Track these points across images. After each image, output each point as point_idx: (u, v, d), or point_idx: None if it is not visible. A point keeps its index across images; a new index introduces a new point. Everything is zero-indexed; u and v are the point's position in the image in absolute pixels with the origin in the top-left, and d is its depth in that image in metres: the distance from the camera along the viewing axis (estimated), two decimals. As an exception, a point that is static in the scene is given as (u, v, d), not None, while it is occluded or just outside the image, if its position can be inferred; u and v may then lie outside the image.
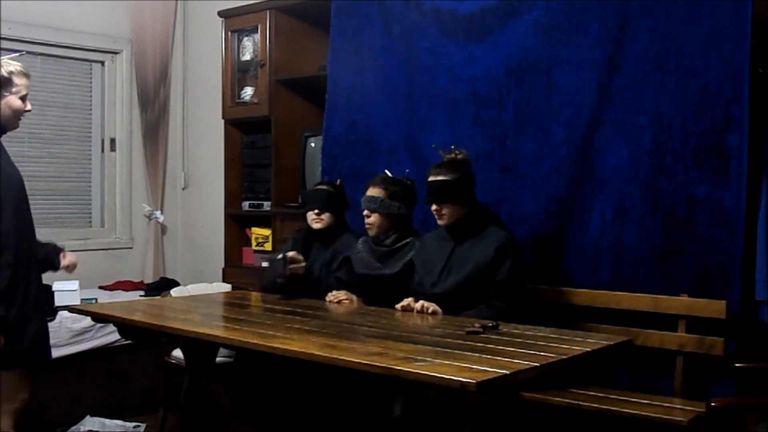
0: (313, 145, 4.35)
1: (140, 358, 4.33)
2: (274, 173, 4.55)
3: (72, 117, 5.12)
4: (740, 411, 2.83)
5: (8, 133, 2.90)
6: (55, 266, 3.13)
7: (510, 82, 3.49)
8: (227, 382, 3.62)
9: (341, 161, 4.05)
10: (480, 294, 3.03)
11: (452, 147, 3.19)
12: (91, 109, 5.23)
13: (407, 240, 3.36)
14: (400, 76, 3.86)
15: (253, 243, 4.74)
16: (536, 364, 2.22)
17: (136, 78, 5.24)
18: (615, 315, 3.19)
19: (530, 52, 3.43)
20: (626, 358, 3.06)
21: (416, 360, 2.21)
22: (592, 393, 2.96)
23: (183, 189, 5.54)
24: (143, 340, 3.60)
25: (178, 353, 3.76)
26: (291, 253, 3.43)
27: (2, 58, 2.85)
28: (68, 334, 4.10)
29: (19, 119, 2.89)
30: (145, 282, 5.07)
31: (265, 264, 3.53)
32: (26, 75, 2.87)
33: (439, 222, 3.16)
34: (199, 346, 3.25)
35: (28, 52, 4.70)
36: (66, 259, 3.14)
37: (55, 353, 3.96)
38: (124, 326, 3.24)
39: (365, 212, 3.36)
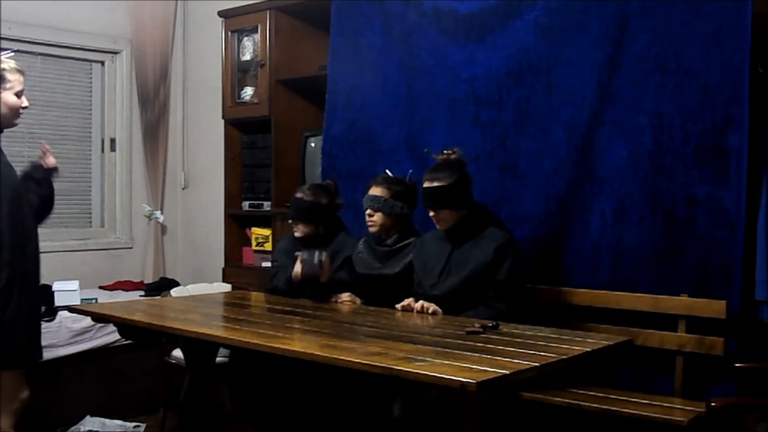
0: (313, 145, 4.35)
1: (140, 358, 4.33)
2: (274, 173, 4.55)
3: (72, 117, 5.12)
4: (740, 411, 2.83)
5: (8, 133, 2.89)
6: (44, 175, 3.01)
7: (510, 82, 3.49)
8: (228, 382, 3.62)
9: (341, 161, 4.05)
10: (479, 295, 3.03)
11: (444, 150, 3.17)
12: (91, 109, 5.23)
13: (408, 240, 3.35)
14: (400, 76, 3.86)
15: (253, 243, 4.74)
16: (536, 364, 2.22)
17: (136, 78, 5.24)
18: (615, 315, 3.19)
19: (530, 52, 3.43)
20: (626, 358, 3.06)
21: (416, 360, 2.21)
22: (592, 393, 2.96)
23: (183, 189, 5.54)
24: (143, 340, 3.60)
25: (178, 353, 3.76)
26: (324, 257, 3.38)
27: None
28: (68, 334, 4.10)
29: (17, 117, 2.87)
30: (145, 282, 5.07)
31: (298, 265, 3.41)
32: (20, 71, 2.86)
33: (438, 226, 3.17)
34: (199, 346, 3.24)
35: (28, 52, 4.71)
36: (48, 159, 3.03)
37: (55, 353, 3.99)
38: (124, 326, 3.24)
39: (368, 211, 3.35)
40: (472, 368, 2.11)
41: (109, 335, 4.19)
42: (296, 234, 3.59)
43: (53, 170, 3.07)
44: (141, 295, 4.69)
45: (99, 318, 3.44)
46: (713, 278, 3.00)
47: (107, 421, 4.12)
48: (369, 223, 3.36)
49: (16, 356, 2.74)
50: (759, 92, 2.97)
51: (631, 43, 3.17)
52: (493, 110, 3.53)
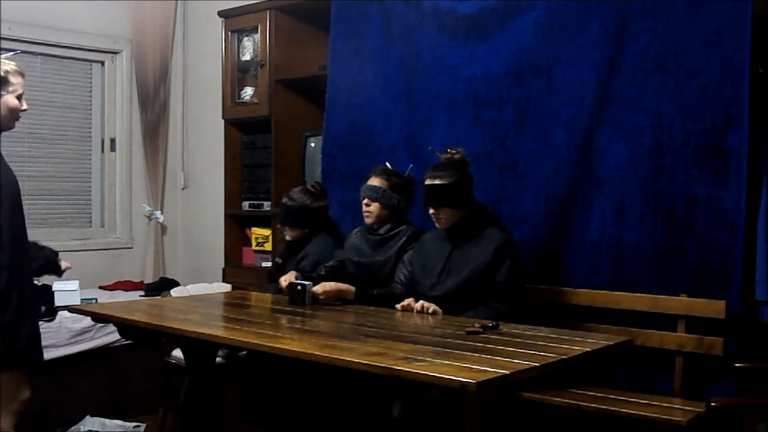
0: (313, 145, 4.35)
1: (140, 358, 4.33)
2: (274, 173, 4.55)
3: (72, 117, 5.12)
4: (740, 411, 2.83)
5: (8, 133, 2.89)
6: (57, 270, 3.29)
7: (510, 82, 3.49)
8: (232, 382, 3.62)
9: (341, 161, 4.05)
10: (479, 295, 3.03)
11: (448, 148, 3.17)
12: (91, 109, 5.23)
13: (399, 228, 3.40)
14: (400, 76, 3.86)
15: (253, 243, 4.75)
16: (536, 364, 2.22)
17: (136, 78, 5.24)
18: (615, 315, 3.19)
19: (530, 52, 3.43)
20: (626, 358, 3.06)
21: (416, 360, 2.21)
22: (592, 393, 2.96)
23: (183, 189, 5.54)
24: (143, 340, 3.60)
25: (178, 353, 3.76)
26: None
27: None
28: (68, 334, 4.10)
29: (16, 119, 2.88)
30: (145, 282, 5.07)
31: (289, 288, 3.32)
32: (22, 74, 2.86)
33: (438, 225, 3.17)
34: (199, 346, 3.24)
35: (28, 52, 4.71)
36: (64, 264, 3.31)
37: (55, 353, 3.99)
38: (124, 326, 3.24)
39: (365, 200, 3.39)
40: (472, 368, 2.11)
41: (109, 335, 4.19)
42: (287, 238, 3.70)
43: (61, 272, 3.42)
44: (141, 295, 4.68)
45: (99, 318, 3.44)
46: (713, 278, 3.00)
47: (107, 421, 4.12)
48: (365, 213, 3.40)
49: (17, 357, 2.74)
50: (759, 92, 2.97)
51: (631, 43, 3.17)
52: (493, 110, 3.53)
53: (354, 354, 2.30)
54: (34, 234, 2.94)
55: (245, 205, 4.80)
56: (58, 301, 4.11)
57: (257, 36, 4.62)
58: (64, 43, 4.97)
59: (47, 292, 4.14)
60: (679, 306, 3.06)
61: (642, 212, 3.16)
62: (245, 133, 4.85)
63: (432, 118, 3.74)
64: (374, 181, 3.40)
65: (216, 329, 2.87)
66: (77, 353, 4.13)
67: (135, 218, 5.33)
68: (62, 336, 4.07)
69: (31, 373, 2.85)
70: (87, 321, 3.93)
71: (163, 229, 5.41)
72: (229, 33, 4.78)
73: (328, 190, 3.82)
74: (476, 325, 2.69)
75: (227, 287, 4.39)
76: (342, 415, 3.09)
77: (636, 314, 3.15)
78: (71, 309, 3.36)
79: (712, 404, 2.52)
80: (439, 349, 2.37)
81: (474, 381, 1.97)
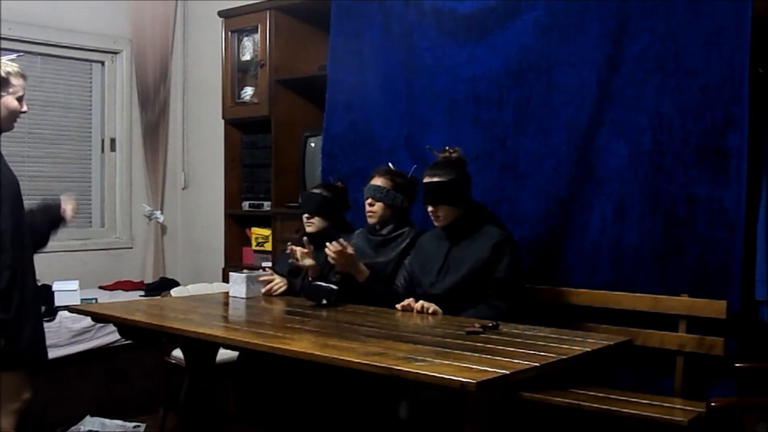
0: (313, 145, 4.35)
1: (140, 358, 4.33)
2: (274, 173, 4.55)
3: (72, 117, 5.12)
4: (740, 411, 2.83)
5: (8, 134, 2.89)
6: (59, 219, 3.06)
7: (510, 82, 3.49)
8: (233, 382, 3.62)
9: (341, 161, 4.05)
10: (479, 293, 3.03)
11: (446, 147, 3.18)
12: (91, 109, 5.23)
13: (402, 230, 3.39)
14: (400, 76, 3.86)
15: (253, 243, 4.75)
16: (536, 364, 2.22)
17: (136, 78, 5.24)
18: (615, 315, 3.19)
19: (530, 52, 3.43)
20: (626, 358, 3.06)
21: (416, 360, 2.20)
22: (592, 393, 2.96)
23: (183, 189, 5.54)
24: (143, 340, 3.59)
25: (178, 353, 3.76)
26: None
27: (0, 59, 2.85)
28: (68, 334, 4.10)
29: (15, 120, 2.88)
30: (145, 282, 5.07)
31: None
32: (23, 76, 2.87)
33: (436, 223, 3.16)
34: (199, 346, 3.24)
35: (28, 52, 4.71)
36: (68, 207, 3.08)
37: (55, 353, 3.99)
38: (124, 326, 3.24)
39: (369, 200, 3.38)
40: (472, 368, 2.11)
41: (109, 335, 4.19)
42: (309, 229, 3.56)
43: (64, 221, 3.13)
44: (141, 295, 4.69)
45: (99, 318, 3.43)
46: (713, 278, 3.00)
47: (107, 421, 4.12)
48: (368, 213, 3.39)
49: (18, 357, 2.74)
50: (759, 92, 2.97)
51: (631, 43, 3.17)
52: (493, 110, 3.53)
53: (354, 354, 2.30)
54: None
55: (245, 205, 4.80)
56: (58, 301, 4.11)
57: (257, 36, 4.62)
58: (64, 43, 4.97)
59: (47, 292, 4.15)
60: (679, 306, 3.06)
61: (642, 212, 3.16)
62: (245, 133, 4.85)
63: (432, 118, 3.74)
64: (378, 181, 3.40)
65: (216, 329, 2.87)
66: (77, 353, 4.14)
67: (135, 218, 5.33)
68: (62, 336, 4.07)
69: (33, 373, 2.85)
70: (87, 321, 3.93)
71: (163, 229, 5.41)
72: (229, 33, 4.79)
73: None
74: (476, 325, 2.69)
75: (227, 287, 4.38)
76: (342, 416, 3.09)
77: (636, 314, 3.14)
78: (71, 309, 3.36)
79: (713, 404, 2.52)
80: (439, 349, 2.37)
81: (474, 381, 1.97)
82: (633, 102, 3.17)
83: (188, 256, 5.50)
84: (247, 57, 4.75)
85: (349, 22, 4.05)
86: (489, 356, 2.27)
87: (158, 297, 4.30)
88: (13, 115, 2.85)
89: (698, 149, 3.03)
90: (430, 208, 3.13)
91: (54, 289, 4.19)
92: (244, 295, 3.45)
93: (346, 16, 4.06)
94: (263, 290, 3.48)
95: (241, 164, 4.87)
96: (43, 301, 4.02)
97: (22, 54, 3.10)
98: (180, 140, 5.51)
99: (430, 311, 3.00)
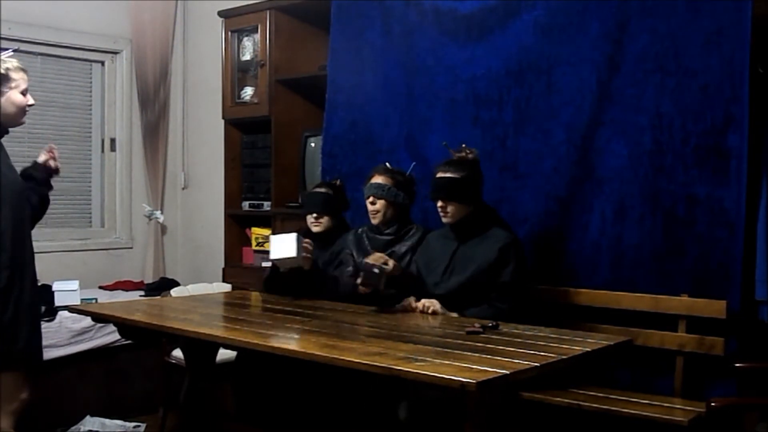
0: (313, 145, 4.35)
1: (140, 358, 4.33)
2: (274, 173, 4.55)
3: (72, 117, 5.12)
4: (740, 411, 2.83)
5: (8, 134, 2.89)
6: (43, 174, 2.96)
7: (510, 82, 3.49)
8: (233, 382, 3.62)
9: (341, 161, 4.05)
10: (483, 294, 3.03)
11: (463, 145, 3.18)
12: (91, 109, 5.23)
13: (409, 227, 3.38)
14: (400, 76, 3.86)
15: (253, 243, 4.74)
16: (536, 364, 2.22)
17: (136, 78, 5.24)
18: (615, 315, 3.19)
19: (530, 52, 3.43)
20: (626, 358, 3.06)
21: (416, 360, 2.21)
22: (592, 393, 2.96)
23: (183, 189, 5.54)
24: (143, 340, 3.60)
25: (178, 353, 3.76)
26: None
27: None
28: (68, 334, 4.10)
29: (24, 115, 2.87)
30: (145, 282, 5.07)
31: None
32: (23, 70, 2.85)
33: (444, 220, 3.15)
34: (199, 346, 3.24)
35: (28, 52, 4.71)
36: (53, 162, 2.98)
37: (55, 353, 3.99)
38: (124, 326, 3.24)
39: (370, 199, 3.37)
40: (472, 368, 2.11)
41: (109, 335, 4.19)
42: (315, 229, 3.54)
43: (55, 171, 3.05)
44: (141, 295, 4.68)
45: (99, 318, 3.44)
46: (713, 278, 3.00)
47: (107, 421, 4.12)
48: (371, 213, 3.38)
49: (17, 357, 2.74)
50: (759, 92, 2.97)
51: (631, 43, 3.17)
52: (493, 110, 3.53)
53: (354, 354, 2.30)
54: (34, 234, 2.92)
55: (245, 205, 4.80)
56: (58, 301, 4.11)
57: (257, 36, 4.62)
58: (64, 43, 4.97)
59: (47, 292, 4.15)
60: (679, 306, 3.06)
61: (642, 212, 3.16)
62: (245, 133, 4.85)
63: (432, 118, 3.74)
64: (378, 179, 3.39)
65: (216, 329, 2.87)
66: (77, 353, 4.13)
67: (135, 218, 5.33)
68: (62, 336, 4.07)
69: (30, 374, 2.85)
70: (87, 321, 3.93)
71: (163, 229, 5.41)
72: (229, 33, 4.79)
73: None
74: (476, 325, 2.69)
75: (227, 287, 4.39)
76: (343, 416, 3.09)
77: (636, 314, 3.14)
78: (71, 309, 3.36)
79: (713, 404, 2.52)
80: (439, 349, 2.37)
81: (474, 381, 1.97)
82: (633, 102, 3.17)
83: (188, 256, 5.50)
84: (247, 57, 4.75)
85: (349, 22, 4.05)
86: (489, 356, 2.27)
87: (158, 297, 4.30)
88: (20, 109, 2.84)
89: (698, 149, 3.03)
90: (439, 204, 3.12)
91: (54, 289, 4.19)
92: (294, 254, 3.22)
93: (346, 16, 4.06)
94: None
95: (241, 164, 4.87)
96: (43, 301, 4.02)
97: (17, 49, 3.07)
98: (180, 140, 5.51)
99: (429, 311, 3.00)
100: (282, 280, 3.40)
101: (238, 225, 4.94)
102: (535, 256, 3.37)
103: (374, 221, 3.40)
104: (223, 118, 4.87)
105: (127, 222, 5.31)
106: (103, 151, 5.26)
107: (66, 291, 4.17)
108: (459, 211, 3.11)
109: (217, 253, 5.06)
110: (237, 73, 4.80)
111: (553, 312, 3.27)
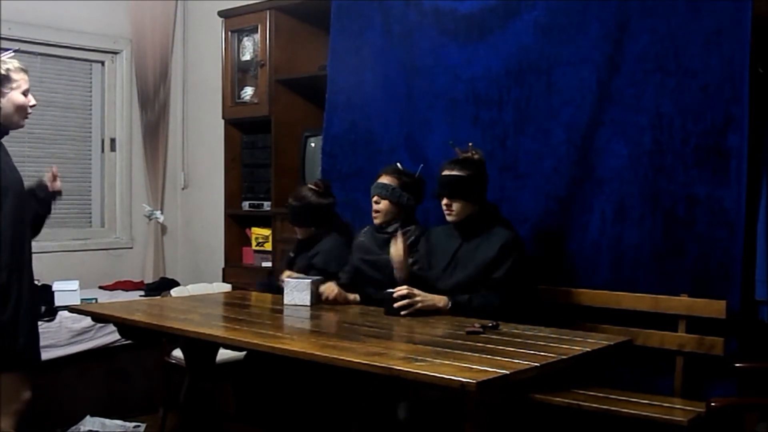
0: (313, 145, 4.35)
1: (140, 358, 4.33)
2: (274, 173, 4.55)
3: (72, 117, 5.12)
4: (740, 411, 2.83)
5: (8, 134, 2.89)
6: (46, 196, 2.98)
7: (510, 82, 3.49)
8: (233, 382, 3.62)
9: (341, 161, 4.05)
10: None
11: (470, 144, 3.18)
12: (91, 109, 5.23)
13: (408, 228, 3.38)
14: (400, 76, 3.86)
15: (253, 243, 4.75)
16: (536, 364, 2.22)
17: (136, 78, 5.24)
18: (615, 315, 3.19)
19: (530, 52, 3.43)
20: (626, 358, 3.06)
21: (416, 360, 2.21)
22: (592, 393, 2.96)
23: (183, 189, 5.54)
24: (143, 340, 3.59)
25: (178, 353, 3.76)
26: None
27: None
28: (68, 334, 4.10)
29: (26, 116, 2.86)
30: (145, 282, 5.07)
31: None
32: (24, 70, 2.85)
33: (448, 218, 3.15)
34: (199, 346, 3.24)
35: (28, 52, 4.71)
36: (55, 183, 3.01)
37: (55, 353, 3.99)
38: (124, 326, 3.24)
39: (375, 198, 3.38)
40: (472, 368, 2.11)
41: (109, 335, 4.19)
42: (298, 237, 3.66)
43: (56, 193, 3.06)
44: (141, 295, 4.69)
45: (99, 318, 3.43)
46: (713, 278, 3.00)
47: (107, 421, 4.12)
48: (374, 213, 3.39)
49: (16, 357, 2.74)
50: (759, 92, 2.97)
51: (631, 43, 3.17)
52: (493, 110, 3.53)
53: (354, 354, 2.30)
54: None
55: (245, 205, 4.80)
56: (58, 301, 4.11)
57: (257, 36, 4.62)
58: (64, 43, 4.97)
59: (47, 292, 4.15)
60: (679, 306, 3.06)
61: (642, 212, 3.16)
62: (245, 133, 4.85)
63: (432, 118, 3.74)
64: (384, 179, 3.40)
65: (216, 329, 2.87)
66: (77, 353, 4.14)
67: (135, 218, 5.33)
68: (62, 336, 4.07)
69: (30, 373, 2.85)
70: (87, 321, 3.93)
71: (163, 229, 5.41)
72: (229, 33, 4.79)
73: (329, 188, 3.81)
74: (476, 325, 2.69)
75: (227, 287, 4.39)
76: (343, 416, 3.09)
77: (636, 314, 3.15)
78: (71, 309, 3.37)
79: (713, 404, 2.53)
80: (439, 349, 2.37)
81: (474, 381, 1.97)
82: (633, 102, 3.17)
83: (188, 256, 5.50)
84: (247, 57, 4.75)
85: (349, 22, 4.05)
86: (489, 356, 2.27)
87: (158, 297, 4.30)
88: (22, 109, 2.83)
89: (698, 149, 3.03)
90: (444, 201, 3.12)
91: (54, 289, 4.19)
92: (308, 303, 3.16)
93: (346, 16, 4.06)
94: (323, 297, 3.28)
95: (241, 164, 4.87)
96: (43, 301, 4.02)
97: (18, 50, 3.07)
98: (180, 140, 5.51)
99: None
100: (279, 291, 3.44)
101: (238, 225, 4.94)
102: (535, 256, 3.37)
103: (375, 221, 3.41)
104: (223, 118, 4.87)
105: (127, 222, 5.31)
106: (103, 151, 5.26)
107: (66, 291, 4.17)
108: (464, 210, 3.11)
109: (217, 253, 5.06)
110: (237, 73, 4.80)
111: (553, 312, 3.27)
